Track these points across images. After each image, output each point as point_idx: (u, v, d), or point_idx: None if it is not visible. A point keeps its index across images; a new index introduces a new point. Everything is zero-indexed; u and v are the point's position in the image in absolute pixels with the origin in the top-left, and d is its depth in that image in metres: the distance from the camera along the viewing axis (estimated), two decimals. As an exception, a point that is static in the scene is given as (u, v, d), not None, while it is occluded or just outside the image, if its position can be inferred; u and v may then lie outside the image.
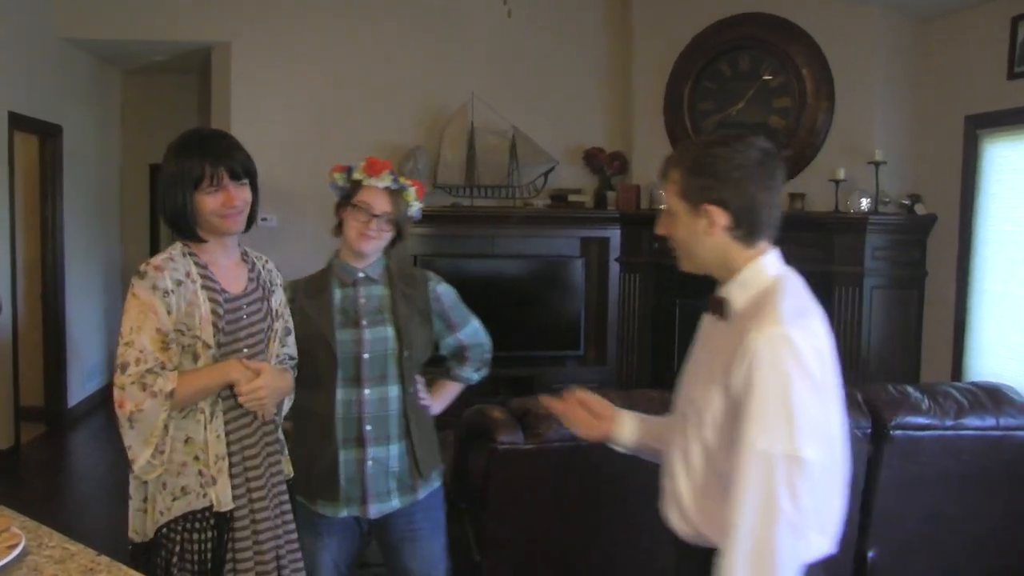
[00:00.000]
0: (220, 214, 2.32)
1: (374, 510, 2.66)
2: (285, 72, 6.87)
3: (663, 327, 6.66)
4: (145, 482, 2.29)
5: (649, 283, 6.76)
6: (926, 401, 3.37)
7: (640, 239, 6.76)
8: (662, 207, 2.02)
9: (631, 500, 3.06)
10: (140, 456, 2.23)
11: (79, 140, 7.38)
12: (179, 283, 2.28)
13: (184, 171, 2.29)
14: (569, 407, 2.29)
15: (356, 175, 2.74)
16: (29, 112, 6.37)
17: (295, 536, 2.50)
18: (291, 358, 2.59)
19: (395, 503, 2.70)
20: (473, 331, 2.95)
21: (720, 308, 1.95)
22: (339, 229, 2.76)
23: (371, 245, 2.69)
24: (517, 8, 6.51)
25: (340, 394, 2.65)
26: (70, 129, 7.14)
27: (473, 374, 3.03)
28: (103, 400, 7.94)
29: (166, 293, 2.25)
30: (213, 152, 2.32)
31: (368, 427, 2.64)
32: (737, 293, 1.92)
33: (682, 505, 2.00)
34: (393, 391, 2.67)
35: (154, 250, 8.75)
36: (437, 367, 3.04)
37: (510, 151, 6.83)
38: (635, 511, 3.08)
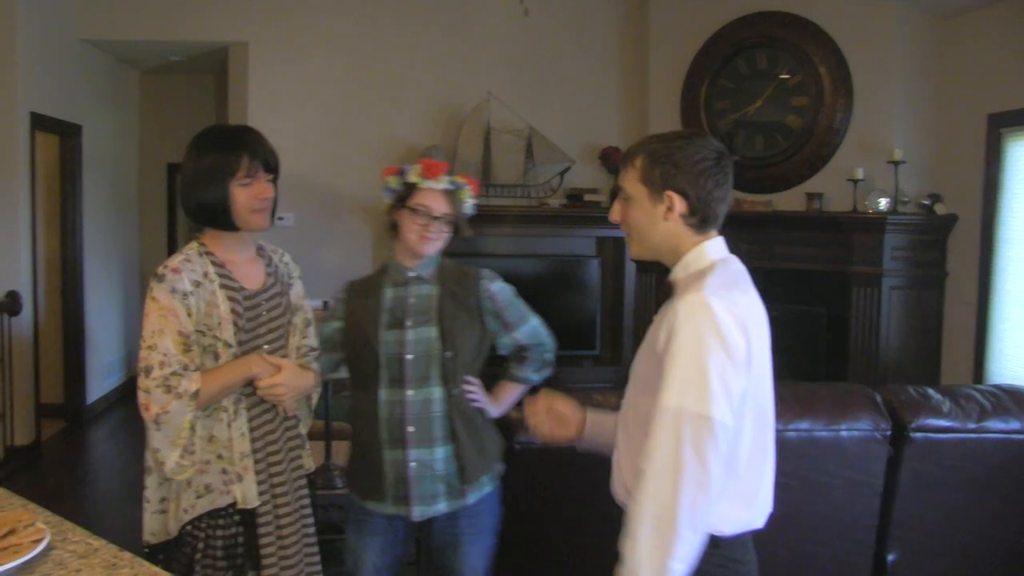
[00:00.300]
0: (252, 208, 2.35)
1: (417, 512, 2.63)
2: (302, 71, 6.89)
3: (680, 327, 6.63)
4: (164, 483, 2.32)
5: (665, 283, 6.72)
6: (947, 403, 3.34)
7: (656, 238, 6.72)
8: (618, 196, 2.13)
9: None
10: (169, 458, 2.25)
11: (98, 139, 7.42)
12: (197, 284, 2.30)
13: (222, 163, 2.32)
14: (535, 414, 2.35)
15: (411, 178, 2.70)
16: (50, 112, 6.41)
17: (313, 531, 2.52)
18: (312, 349, 2.61)
19: (441, 506, 2.65)
20: (532, 330, 2.85)
21: (670, 292, 2.08)
22: (394, 231, 2.74)
23: (432, 247, 2.67)
24: (534, 7, 6.52)
25: (384, 395, 2.62)
26: (89, 129, 7.19)
27: (533, 375, 2.93)
28: (121, 397, 8.00)
29: (185, 295, 2.27)
30: (251, 145, 2.36)
31: (410, 428, 2.59)
32: (680, 273, 2.04)
33: (621, 471, 2.09)
34: (436, 393, 2.62)
35: (171, 248, 8.81)
36: (499, 367, 2.97)
37: (526, 150, 6.82)
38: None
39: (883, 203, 5.66)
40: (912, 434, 3.26)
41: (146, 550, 2.35)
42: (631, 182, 2.03)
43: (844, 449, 3.24)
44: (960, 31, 5.72)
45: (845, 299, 5.84)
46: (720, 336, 1.82)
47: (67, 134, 6.91)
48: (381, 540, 2.72)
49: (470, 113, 6.82)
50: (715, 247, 2.02)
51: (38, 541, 1.78)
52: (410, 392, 2.60)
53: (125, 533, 3.70)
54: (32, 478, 5.87)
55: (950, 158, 5.80)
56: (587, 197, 6.91)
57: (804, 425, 3.22)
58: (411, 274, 2.70)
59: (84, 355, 7.23)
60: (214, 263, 2.36)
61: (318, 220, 6.72)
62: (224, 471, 2.32)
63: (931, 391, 3.42)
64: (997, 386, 3.61)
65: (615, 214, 2.10)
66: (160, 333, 2.25)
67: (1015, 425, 3.31)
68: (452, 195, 2.70)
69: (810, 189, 6.06)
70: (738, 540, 1.97)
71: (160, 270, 2.30)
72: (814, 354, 6.07)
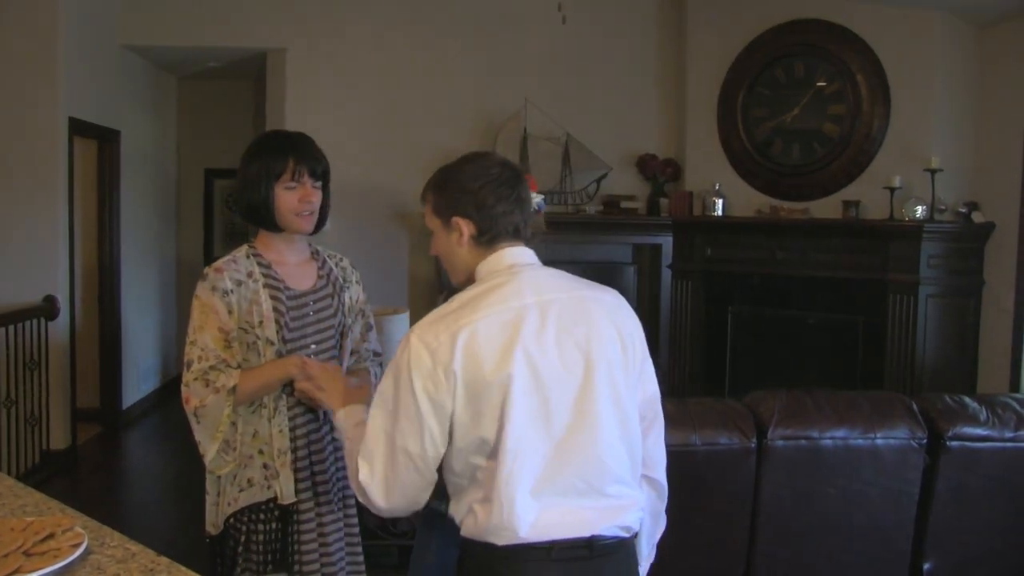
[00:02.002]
0: (296, 211, 2.41)
1: None
2: (339, 78, 6.94)
3: (715, 334, 6.61)
4: (218, 477, 2.39)
5: (701, 290, 6.71)
6: (984, 412, 3.31)
7: (692, 246, 6.72)
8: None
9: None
10: (208, 450, 2.34)
11: (136, 145, 7.50)
12: (239, 283, 2.37)
13: (268, 166, 2.39)
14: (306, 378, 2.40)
15: None
16: (89, 117, 6.49)
17: (357, 530, 2.55)
18: (376, 354, 2.67)
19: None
20: None
21: None
22: None
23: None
24: (571, 14, 6.52)
25: None
26: (128, 134, 7.26)
27: None
28: (158, 402, 8.06)
29: (225, 293, 2.34)
30: (299, 150, 2.42)
31: None
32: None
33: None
34: None
35: (208, 253, 8.88)
36: None
37: (563, 157, 6.82)
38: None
39: (920, 211, 5.61)
40: (949, 443, 3.23)
41: (207, 540, 2.45)
42: (428, 217, 2.05)
43: (881, 457, 3.22)
44: (999, 40, 5.67)
45: (882, 307, 5.80)
46: (397, 368, 1.89)
47: (106, 139, 6.98)
48: (441, 537, 2.74)
49: (507, 120, 6.82)
50: (500, 258, 1.99)
51: (77, 545, 1.78)
52: None
53: (160, 537, 3.75)
54: (68, 482, 5.91)
55: (988, 166, 5.75)
56: (624, 204, 6.90)
57: (840, 433, 3.20)
58: None
59: (120, 360, 7.29)
60: (260, 264, 2.43)
61: (355, 226, 6.74)
62: (265, 466, 2.37)
63: (968, 400, 3.39)
64: (1035, 395, 3.57)
65: (431, 249, 2.11)
66: (201, 329, 2.33)
67: (1053, 435, 3.28)
68: None
69: (847, 197, 6.02)
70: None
71: (205, 270, 2.39)
72: (850, 362, 6.02)
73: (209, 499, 2.43)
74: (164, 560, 1.80)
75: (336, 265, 2.62)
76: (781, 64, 6.35)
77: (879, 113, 5.92)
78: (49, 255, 6.10)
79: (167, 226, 8.58)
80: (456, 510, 1.97)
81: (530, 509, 1.83)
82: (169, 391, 8.34)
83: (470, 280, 2.02)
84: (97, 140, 6.93)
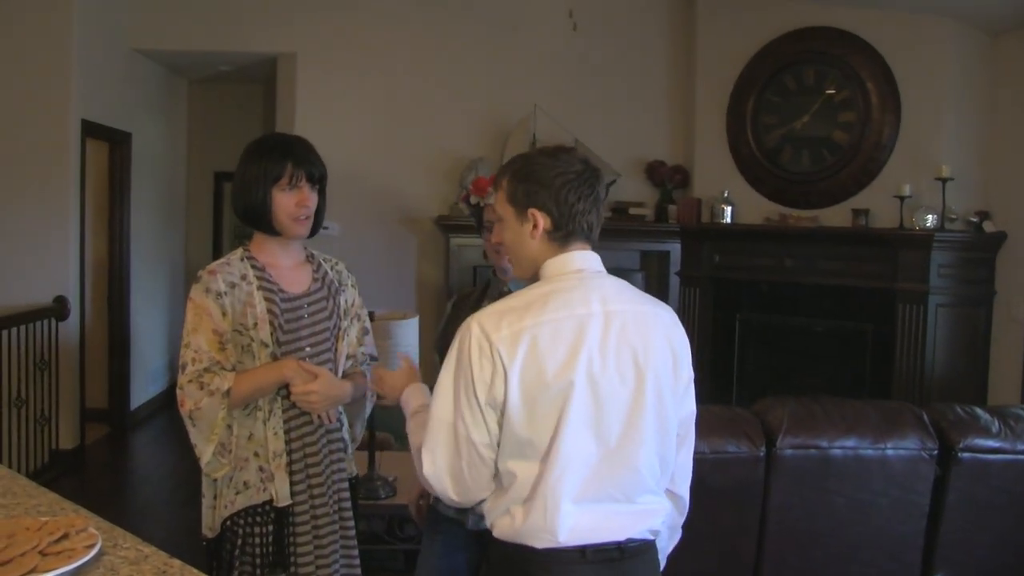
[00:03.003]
0: (293, 215, 2.42)
1: (471, 521, 2.61)
2: (349, 82, 6.96)
3: (723, 341, 6.60)
4: (214, 480, 2.40)
5: (709, 297, 6.71)
6: (996, 424, 3.29)
7: (701, 253, 6.71)
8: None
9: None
10: (204, 453, 2.36)
11: (147, 147, 7.53)
12: (233, 285, 2.39)
13: (267, 169, 2.40)
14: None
15: (472, 200, 2.77)
16: (101, 120, 6.53)
17: (353, 533, 2.58)
18: (373, 358, 2.69)
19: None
20: None
21: None
22: (485, 255, 2.81)
23: (507, 260, 2.70)
24: (581, 21, 6.53)
25: None
26: (138, 136, 7.30)
27: None
28: (165, 403, 8.08)
29: (219, 295, 2.36)
30: (297, 153, 2.43)
31: None
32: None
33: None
34: None
35: (216, 256, 8.87)
36: None
37: (572, 163, 6.81)
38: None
39: (930, 220, 5.60)
40: (960, 454, 3.21)
41: (204, 543, 2.45)
42: (500, 203, 2.04)
43: (891, 468, 3.20)
44: (1012, 48, 5.66)
45: (891, 316, 5.79)
46: (459, 355, 1.89)
47: (117, 141, 7.02)
48: (443, 541, 2.74)
49: (516, 125, 6.83)
50: (571, 260, 2.00)
51: (91, 546, 1.79)
52: None
53: (167, 538, 3.75)
54: (76, 482, 5.94)
55: (999, 175, 5.74)
56: (632, 210, 6.90)
57: (850, 443, 3.19)
58: (504, 289, 2.72)
59: (129, 360, 7.32)
60: (255, 267, 2.44)
61: (363, 230, 6.76)
62: (261, 469, 2.39)
63: (979, 411, 3.37)
64: (1048, 407, 3.55)
65: (495, 235, 2.13)
66: (195, 331, 2.36)
67: (1065, 448, 3.27)
68: None
69: (856, 205, 6.01)
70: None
71: (199, 273, 2.42)
72: (859, 371, 6.01)
73: (205, 502, 2.44)
74: (177, 563, 1.80)
75: (331, 269, 2.63)
76: (791, 71, 6.34)
77: (889, 121, 5.91)
78: (60, 256, 6.15)
79: (176, 228, 8.61)
80: (490, 510, 1.97)
81: (570, 514, 1.87)
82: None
83: (534, 273, 2.04)
84: (108, 142, 6.97)
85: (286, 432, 2.43)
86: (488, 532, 2.62)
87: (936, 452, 3.22)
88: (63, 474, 5.96)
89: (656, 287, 7.06)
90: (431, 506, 2.75)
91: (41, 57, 6.06)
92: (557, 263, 1.99)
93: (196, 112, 8.80)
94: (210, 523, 2.42)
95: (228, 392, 2.31)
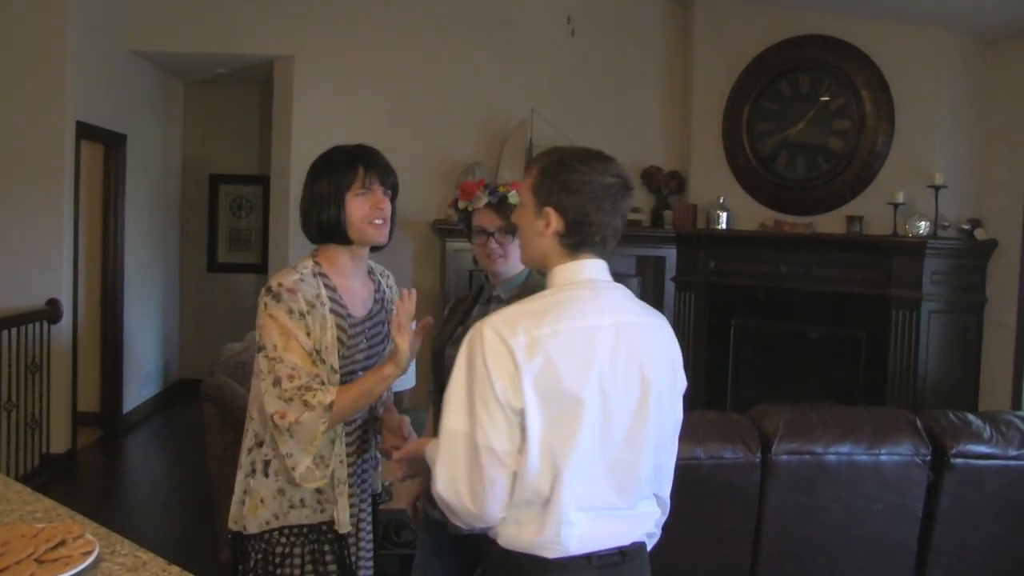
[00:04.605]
0: (368, 219, 2.36)
1: (452, 525, 2.64)
2: (347, 86, 6.96)
3: (718, 347, 6.61)
4: (248, 477, 2.36)
5: (705, 303, 6.72)
6: (988, 430, 3.31)
7: (696, 259, 6.72)
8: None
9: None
10: (300, 463, 2.27)
11: (142, 149, 7.52)
12: (312, 306, 2.31)
13: (338, 179, 2.35)
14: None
15: (460, 205, 2.74)
16: (96, 121, 6.51)
17: (371, 546, 2.59)
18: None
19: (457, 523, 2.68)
20: None
21: None
22: (476, 259, 2.79)
23: (501, 263, 2.68)
24: (579, 26, 6.55)
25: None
26: (134, 138, 7.29)
27: None
28: (158, 407, 8.06)
29: (302, 315, 2.28)
30: (366, 158, 2.39)
31: None
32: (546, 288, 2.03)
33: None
34: None
35: (212, 259, 8.88)
36: None
37: (568, 168, 6.82)
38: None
39: (923, 227, 5.63)
40: (952, 460, 3.24)
41: (230, 536, 2.42)
42: (525, 189, 2.03)
43: (884, 473, 3.22)
44: (1004, 57, 5.69)
45: (884, 322, 5.81)
46: (471, 363, 1.86)
47: (112, 143, 7.00)
48: (433, 543, 2.75)
49: (513, 130, 6.84)
50: (577, 269, 1.99)
51: (88, 553, 1.78)
52: None
53: (160, 544, 3.73)
54: (67, 487, 5.90)
55: (991, 184, 5.77)
56: (628, 216, 6.90)
57: (845, 449, 3.21)
58: (495, 293, 2.73)
59: (122, 364, 7.29)
60: (327, 285, 2.36)
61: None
62: (319, 491, 2.35)
63: (971, 417, 3.40)
64: (1039, 413, 3.58)
65: (514, 216, 2.11)
66: (284, 349, 2.26)
67: (1056, 453, 3.29)
68: (502, 207, 2.69)
69: (851, 212, 6.03)
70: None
71: (276, 287, 2.30)
72: (853, 377, 6.03)
73: (235, 497, 2.39)
74: (175, 569, 1.80)
75: (387, 285, 2.61)
76: (787, 78, 6.37)
77: (883, 129, 5.94)
78: (53, 258, 6.13)
79: (171, 231, 8.59)
80: None
81: (579, 524, 1.88)
82: (171, 396, 8.35)
83: (536, 264, 2.05)
84: (104, 144, 6.96)
85: (350, 465, 2.41)
86: (474, 537, 2.64)
87: (929, 458, 3.25)
88: (54, 478, 5.92)
89: (652, 292, 7.07)
90: (427, 511, 2.76)
91: (35, 58, 6.04)
92: (567, 272, 1.98)
93: (192, 114, 8.78)
94: (236, 516, 2.38)
95: (331, 406, 2.24)
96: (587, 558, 1.90)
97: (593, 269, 2.00)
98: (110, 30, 6.77)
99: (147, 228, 7.82)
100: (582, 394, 1.84)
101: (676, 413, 2.08)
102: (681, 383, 2.08)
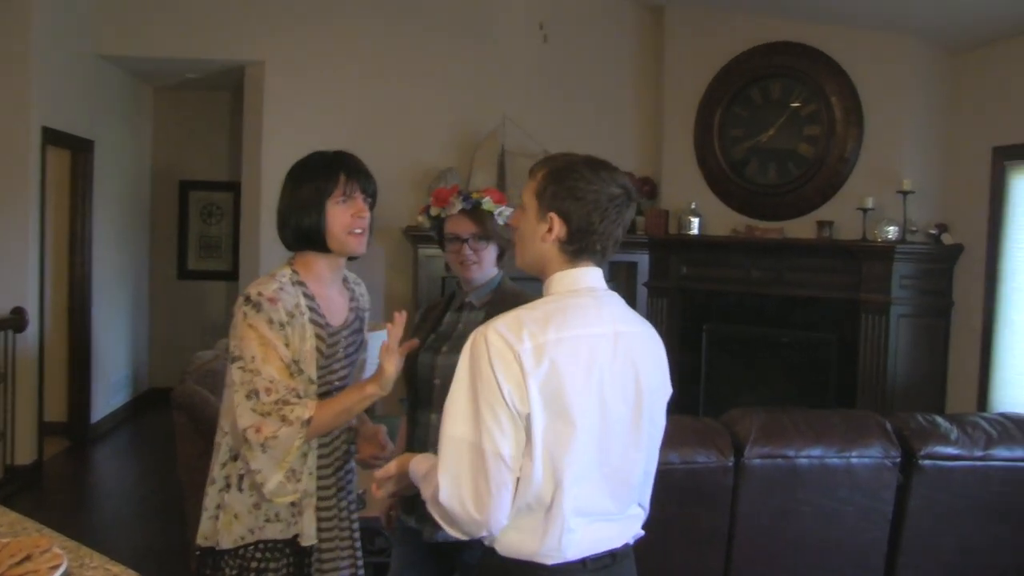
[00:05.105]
0: (349, 228, 2.32)
1: (427, 533, 2.63)
2: (318, 92, 6.94)
3: (691, 351, 6.63)
4: (222, 491, 2.32)
5: (677, 308, 6.74)
6: (955, 431, 3.35)
7: (668, 264, 6.75)
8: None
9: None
10: (270, 479, 2.23)
11: (110, 155, 7.44)
12: (291, 316, 2.27)
13: (318, 186, 2.31)
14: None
15: (432, 212, 2.74)
16: (62, 127, 6.43)
17: (361, 562, 2.56)
18: None
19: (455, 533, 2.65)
20: None
21: None
22: (448, 266, 2.77)
23: (476, 270, 2.68)
24: (552, 33, 6.56)
25: (420, 416, 2.68)
26: (102, 144, 7.21)
27: None
28: (127, 416, 7.98)
29: (282, 326, 2.25)
30: (349, 165, 2.36)
31: (432, 452, 2.61)
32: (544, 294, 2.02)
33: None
34: None
35: (182, 266, 8.82)
36: None
37: (540, 174, 6.83)
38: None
39: (892, 232, 5.68)
40: (921, 462, 3.27)
41: (197, 552, 2.37)
42: (528, 192, 2.01)
43: (856, 476, 3.25)
44: (969, 66, 5.76)
45: (854, 326, 5.86)
46: (476, 367, 1.84)
47: (79, 149, 6.92)
48: (408, 551, 2.74)
49: (486, 136, 6.85)
50: (576, 277, 1.98)
51: (55, 567, 1.74)
52: (434, 416, 2.62)
53: (129, 556, 3.69)
54: (33, 499, 5.80)
55: (957, 189, 5.84)
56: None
57: (817, 452, 3.23)
58: (466, 300, 2.72)
59: (91, 372, 7.21)
60: (305, 295, 2.33)
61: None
62: (293, 504, 2.32)
63: (939, 419, 3.44)
64: (1003, 414, 3.63)
65: (513, 218, 2.09)
66: (263, 360, 2.22)
67: (1020, 453, 3.35)
68: (476, 213, 2.69)
69: (821, 217, 6.08)
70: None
71: (255, 296, 2.26)
72: (823, 380, 6.08)
73: (207, 513, 2.34)
74: (146, 582, 1.78)
75: (360, 294, 2.57)
76: (758, 85, 6.42)
77: (853, 135, 5.99)
78: (19, 266, 6.04)
79: (140, 238, 8.51)
80: None
81: (578, 530, 1.89)
82: (140, 405, 8.27)
83: (533, 269, 2.03)
84: (71, 150, 6.87)
85: (319, 477, 2.37)
86: (448, 545, 2.63)
87: (899, 460, 3.28)
88: (20, 490, 5.81)
89: (624, 298, 6.98)
90: (401, 518, 2.75)
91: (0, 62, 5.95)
92: (567, 279, 1.97)
93: (161, 120, 8.70)
94: (208, 531, 2.33)
95: (308, 421, 2.21)
96: (582, 563, 1.91)
97: (593, 277, 2.00)
98: (77, 33, 6.69)
99: (116, 235, 7.74)
100: (583, 401, 1.85)
101: (664, 420, 2.10)
102: (668, 392, 2.10)
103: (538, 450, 1.83)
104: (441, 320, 2.76)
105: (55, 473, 6.43)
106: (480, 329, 1.87)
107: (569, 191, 1.93)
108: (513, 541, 1.90)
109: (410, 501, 2.64)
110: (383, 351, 2.26)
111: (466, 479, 1.83)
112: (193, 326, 8.66)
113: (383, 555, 3.75)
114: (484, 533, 1.88)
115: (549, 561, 1.89)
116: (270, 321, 2.23)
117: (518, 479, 1.84)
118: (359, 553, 2.55)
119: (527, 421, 1.82)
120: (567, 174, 1.95)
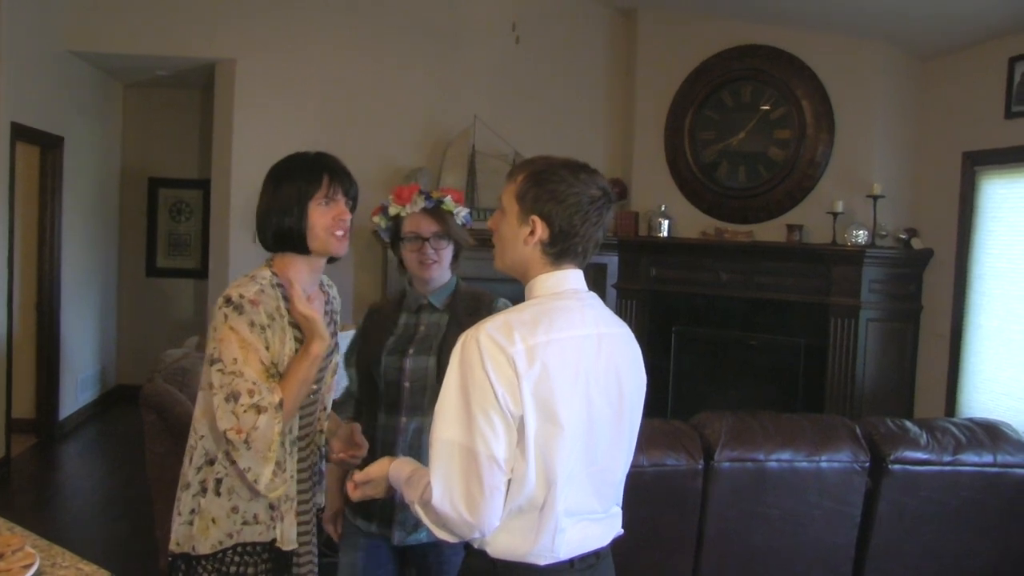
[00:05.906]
0: (331, 229, 2.31)
1: (397, 537, 2.62)
2: (289, 91, 6.90)
3: (660, 354, 6.66)
4: (197, 496, 2.28)
5: (646, 310, 6.77)
6: (924, 436, 3.39)
7: (638, 266, 6.77)
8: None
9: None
10: (262, 475, 2.20)
11: (80, 152, 7.37)
12: (272, 318, 2.26)
13: (301, 187, 2.29)
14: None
15: (392, 210, 2.72)
16: (32, 123, 6.37)
17: (316, 560, 2.53)
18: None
19: (423, 536, 2.61)
20: None
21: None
22: (402, 266, 2.75)
23: (436, 269, 2.67)
24: (523, 34, 6.57)
25: (381, 418, 2.65)
26: (71, 140, 7.14)
27: None
28: (96, 413, 7.92)
29: (263, 328, 2.23)
30: (332, 167, 2.35)
31: (400, 455, 2.54)
32: (525, 297, 2.03)
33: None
34: (428, 423, 2.60)
35: (151, 263, 8.74)
36: None
37: (511, 174, 6.84)
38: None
39: (862, 236, 5.73)
40: (891, 466, 3.30)
41: (170, 559, 2.33)
42: (508, 195, 2.01)
43: (825, 480, 3.27)
44: (939, 72, 5.82)
45: (824, 330, 5.90)
46: (469, 369, 1.83)
47: (48, 145, 6.86)
48: (364, 557, 2.71)
49: (456, 136, 6.85)
50: (559, 280, 1.99)
51: (28, 566, 1.74)
52: (404, 419, 2.62)
53: (97, 554, 3.66)
54: (1, 495, 5.76)
55: (927, 194, 5.89)
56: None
57: (786, 456, 3.25)
58: (424, 301, 2.70)
59: (59, 369, 7.15)
60: (285, 297, 2.31)
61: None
62: (272, 507, 2.30)
63: (909, 424, 3.47)
64: (971, 420, 3.67)
65: (491, 222, 2.09)
66: (244, 363, 2.19)
67: (988, 459, 3.37)
68: (437, 212, 2.69)
69: (791, 221, 6.13)
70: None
71: (236, 298, 2.23)
72: (792, 383, 6.12)
73: (180, 518, 2.30)
74: (119, 581, 1.77)
75: (333, 296, 2.56)
76: (728, 88, 6.45)
77: (823, 139, 6.04)
78: (-14, 262, 5.97)
79: (110, 235, 8.43)
80: None
81: (568, 530, 1.91)
82: (108, 402, 8.21)
83: (514, 272, 2.04)
84: (40, 146, 6.81)
85: (299, 481, 2.35)
86: (419, 552, 2.62)
87: (868, 464, 3.31)
88: (-15, 487, 5.79)
89: (594, 299, 7.09)
90: (348, 521, 2.73)
91: (-32, 58, 5.89)
92: (551, 281, 1.98)
93: (131, 116, 8.62)
94: (182, 537, 2.29)
95: (281, 404, 2.18)
96: (570, 562, 1.94)
97: (575, 279, 2.01)
98: (46, 29, 6.61)
99: (84, 232, 7.67)
100: (572, 402, 1.86)
101: (639, 420, 2.12)
102: (644, 392, 2.12)
103: (531, 451, 1.84)
104: (396, 322, 2.73)
105: (22, 470, 6.37)
106: (470, 332, 1.86)
107: (551, 194, 1.94)
108: (505, 542, 1.91)
109: (367, 507, 2.63)
110: (297, 301, 2.24)
111: (459, 482, 1.83)
112: (161, 324, 8.60)
113: (329, 555, 3.69)
114: (476, 535, 1.88)
115: (542, 561, 1.91)
116: (251, 324, 2.21)
117: (509, 481, 1.85)
118: (316, 551, 2.53)
119: (520, 423, 1.83)
120: (548, 177, 1.95)
